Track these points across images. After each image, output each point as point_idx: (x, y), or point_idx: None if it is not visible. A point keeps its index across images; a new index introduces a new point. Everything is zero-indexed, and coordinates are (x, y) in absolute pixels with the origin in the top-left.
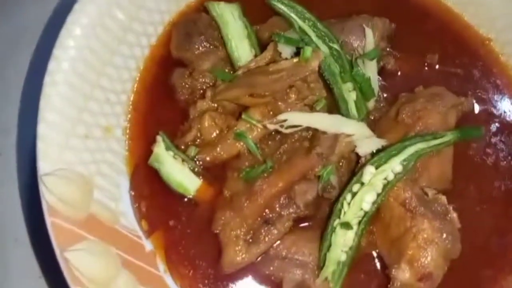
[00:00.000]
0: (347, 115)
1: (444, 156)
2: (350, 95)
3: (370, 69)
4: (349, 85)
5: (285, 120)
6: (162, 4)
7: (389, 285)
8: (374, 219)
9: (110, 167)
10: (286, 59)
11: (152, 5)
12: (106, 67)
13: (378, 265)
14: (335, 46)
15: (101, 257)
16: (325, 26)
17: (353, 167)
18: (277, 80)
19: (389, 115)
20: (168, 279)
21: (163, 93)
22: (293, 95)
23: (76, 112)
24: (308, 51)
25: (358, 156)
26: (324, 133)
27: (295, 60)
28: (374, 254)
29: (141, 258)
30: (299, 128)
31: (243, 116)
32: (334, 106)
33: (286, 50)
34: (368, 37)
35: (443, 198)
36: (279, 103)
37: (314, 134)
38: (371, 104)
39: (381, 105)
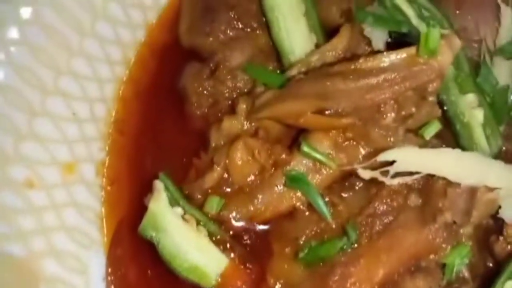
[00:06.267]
0: (469, 147)
1: None
2: (475, 115)
3: (506, 73)
4: (471, 99)
5: (391, 163)
6: None
7: None
8: None
9: (71, 239)
10: (381, 52)
11: None
12: (73, 57)
13: None
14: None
15: None
16: (430, 0)
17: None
18: (373, 87)
19: None
20: None
21: (167, 103)
22: (390, 113)
23: (11, 138)
24: (434, 35)
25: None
26: (450, 184)
27: (407, 52)
28: None
29: None
30: (414, 177)
31: (303, 147)
32: (445, 132)
33: (377, 37)
34: (505, 20)
35: None
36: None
37: (431, 184)
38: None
39: None
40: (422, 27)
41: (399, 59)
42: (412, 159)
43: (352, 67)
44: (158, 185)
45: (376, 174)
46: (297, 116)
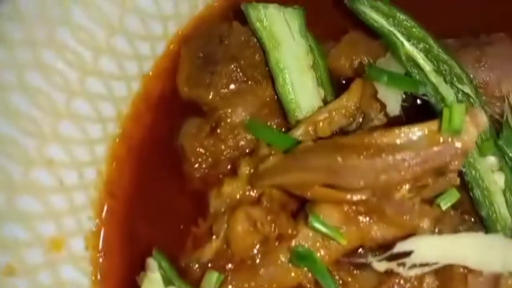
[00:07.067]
0: (489, 216)
1: None
2: (495, 180)
3: None
4: (491, 161)
5: (409, 254)
6: (166, 3)
7: None
8: None
9: None
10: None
11: (148, 3)
12: (60, 121)
13: None
14: (466, 89)
15: None
16: (447, 53)
17: None
18: (389, 168)
19: None
20: None
21: (162, 162)
22: (405, 185)
23: None
24: (459, 112)
25: None
26: (471, 270)
27: (427, 128)
28: None
29: None
30: (433, 267)
31: (311, 221)
32: (463, 197)
33: (392, 101)
34: None
35: None
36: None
37: (450, 269)
38: None
39: None
40: (438, 81)
41: (419, 136)
42: (430, 249)
43: (366, 140)
44: (152, 264)
45: (392, 265)
46: (304, 188)
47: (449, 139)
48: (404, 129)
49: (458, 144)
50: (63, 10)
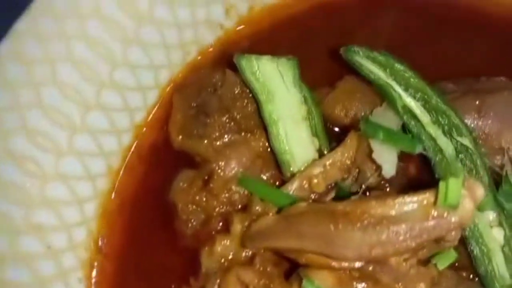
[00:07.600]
0: (487, 274)
1: None
2: (494, 237)
3: None
4: (490, 217)
5: None
6: (157, 52)
7: None
8: None
9: None
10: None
11: (138, 54)
12: (48, 183)
13: None
14: (465, 141)
15: None
16: (446, 103)
17: None
18: (383, 242)
19: None
20: None
21: (154, 217)
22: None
23: None
24: (456, 188)
25: None
26: None
27: (427, 199)
28: None
29: None
30: None
31: (305, 286)
32: (461, 252)
33: (386, 157)
34: None
35: None
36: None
37: None
38: None
39: None
40: (436, 133)
41: (414, 208)
42: None
43: (359, 211)
44: None
45: None
46: (298, 254)
47: (445, 214)
48: (399, 199)
49: (454, 219)
50: (49, 68)
